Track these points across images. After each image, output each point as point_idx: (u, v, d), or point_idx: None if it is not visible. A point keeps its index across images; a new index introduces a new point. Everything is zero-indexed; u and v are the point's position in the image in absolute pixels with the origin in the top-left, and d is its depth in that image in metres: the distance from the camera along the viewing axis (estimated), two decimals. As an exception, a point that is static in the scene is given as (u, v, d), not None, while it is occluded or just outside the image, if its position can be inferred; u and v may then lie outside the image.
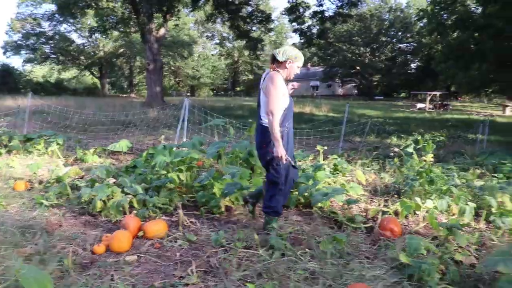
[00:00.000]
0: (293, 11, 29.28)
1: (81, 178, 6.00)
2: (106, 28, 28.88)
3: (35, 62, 51.60)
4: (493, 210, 5.35)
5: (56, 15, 41.75)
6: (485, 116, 29.01)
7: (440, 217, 5.27)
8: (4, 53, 49.19)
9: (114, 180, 5.05)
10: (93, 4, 25.27)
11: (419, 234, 4.56)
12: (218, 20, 33.60)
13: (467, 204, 5.30)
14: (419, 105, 38.43)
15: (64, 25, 48.66)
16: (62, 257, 3.47)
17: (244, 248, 3.75)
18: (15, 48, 48.75)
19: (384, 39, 57.63)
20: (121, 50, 52.09)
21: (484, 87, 23.52)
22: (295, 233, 4.22)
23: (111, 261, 3.55)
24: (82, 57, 51.59)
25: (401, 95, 63.72)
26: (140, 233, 4.04)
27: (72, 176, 5.91)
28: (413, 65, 61.40)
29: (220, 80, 69.14)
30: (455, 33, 21.89)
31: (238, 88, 74.47)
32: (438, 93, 42.36)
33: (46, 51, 50.22)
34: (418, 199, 5.22)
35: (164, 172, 5.27)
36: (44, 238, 3.94)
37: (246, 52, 46.36)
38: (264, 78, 4.12)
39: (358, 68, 57.32)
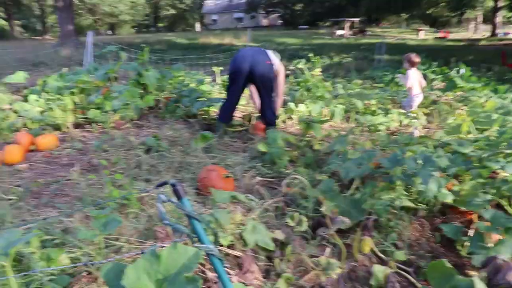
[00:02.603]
0: None
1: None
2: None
3: None
4: (360, 110, 6.25)
5: None
6: (397, 40, 30.68)
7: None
8: None
9: (9, 106, 5.32)
10: None
11: (290, 133, 5.33)
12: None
13: (336, 107, 6.15)
14: (339, 32, 39.47)
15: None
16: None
17: (125, 150, 4.30)
18: None
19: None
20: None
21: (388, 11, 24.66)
22: (174, 136, 4.83)
23: (3, 171, 3.98)
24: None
25: (326, 23, 64.65)
26: (33, 147, 4.46)
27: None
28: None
29: (141, 16, 66.12)
30: None
31: (161, 24, 71.94)
32: (357, 20, 43.52)
33: None
34: (291, 104, 5.97)
35: (58, 96, 5.59)
36: None
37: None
38: None
39: (281, -3, 57.06)
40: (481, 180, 3.32)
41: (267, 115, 5.01)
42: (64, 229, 2.60)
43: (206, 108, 5.68)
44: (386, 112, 6.10)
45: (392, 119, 5.88)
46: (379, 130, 5.61)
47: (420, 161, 3.23)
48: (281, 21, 65.70)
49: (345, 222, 2.61)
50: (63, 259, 2.21)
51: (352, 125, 5.76)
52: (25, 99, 5.83)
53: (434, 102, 7.00)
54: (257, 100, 5.32)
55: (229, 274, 2.30)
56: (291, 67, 9.52)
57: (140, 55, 6.57)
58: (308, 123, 4.86)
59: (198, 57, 13.68)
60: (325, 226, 2.78)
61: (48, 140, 4.48)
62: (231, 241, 2.40)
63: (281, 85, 5.27)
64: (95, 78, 5.95)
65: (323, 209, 2.95)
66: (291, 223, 2.67)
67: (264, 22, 67.28)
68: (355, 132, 5.31)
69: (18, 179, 3.77)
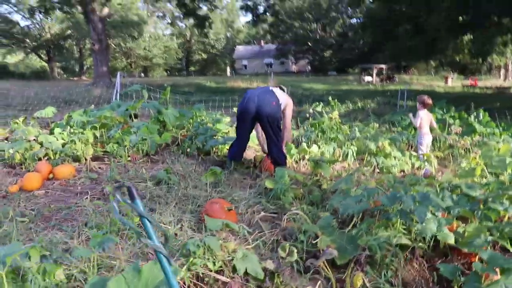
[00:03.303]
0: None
1: (6, 139, 6.51)
2: (47, 8, 28.44)
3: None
4: (373, 152, 6.30)
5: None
6: (424, 87, 30.70)
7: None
8: None
9: (34, 137, 5.64)
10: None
11: (299, 172, 5.42)
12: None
13: (349, 149, 6.23)
14: (367, 78, 39.85)
15: (5, 6, 46.92)
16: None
17: (137, 182, 4.48)
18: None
19: (334, 14, 58.73)
20: (69, 31, 50.90)
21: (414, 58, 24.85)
22: (185, 171, 4.99)
23: (22, 196, 4.21)
24: (28, 40, 50.06)
25: (356, 70, 65.45)
26: (51, 176, 4.69)
27: (-2, 138, 6.44)
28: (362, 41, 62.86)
29: (173, 60, 68.57)
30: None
31: (192, 68, 74.19)
32: (384, 66, 43.89)
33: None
34: (304, 145, 6.08)
35: (81, 130, 5.89)
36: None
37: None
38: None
39: (310, 44, 58.32)
40: (486, 223, 3.31)
41: (275, 154, 5.12)
42: (66, 249, 2.73)
43: (220, 146, 5.85)
44: (400, 154, 6.13)
45: (405, 161, 5.90)
46: (390, 172, 5.65)
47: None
48: (310, 68, 66.82)
49: (333, 254, 2.65)
50: (59, 275, 2.34)
51: (363, 166, 5.80)
52: (51, 132, 6.16)
53: (451, 146, 6.99)
54: (262, 141, 5.48)
55: (216, 299, 2.37)
56: (310, 111, 9.70)
57: (163, 94, 6.88)
58: (317, 162, 4.95)
59: (224, 100, 14.14)
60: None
61: (65, 169, 4.72)
62: (220, 267, 2.48)
63: (288, 119, 5.41)
64: (116, 114, 6.25)
65: (318, 243, 3.01)
66: (282, 254, 2.73)
67: (294, 68, 68.57)
68: (365, 173, 5.35)
69: (33, 204, 3.98)
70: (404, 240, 3.18)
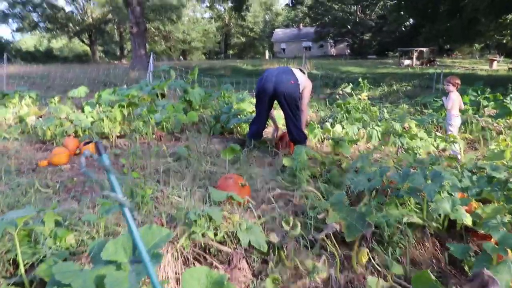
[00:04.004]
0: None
1: (40, 117, 6.80)
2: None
3: (24, 31, 51.65)
4: (399, 133, 6.19)
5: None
6: (466, 70, 29.58)
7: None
8: (-8, 23, 49.22)
9: (65, 115, 5.88)
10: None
11: (321, 151, 5.40)
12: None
13: (373, 129, 6.14)
14: (406, 62, 38.74)
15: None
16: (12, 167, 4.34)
17: (158, 158, 4.61)
18: (2, 17, 48.74)
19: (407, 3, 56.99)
20: (109, 16, 52.02)
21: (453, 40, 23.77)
22: (206, 148, 5.08)
23: (49, 170, 4.42)
24: (71, 25, 51.55)
25: (396, 53, 63.66)
26: (77, 151, 4.90)
27: (32, 115, 6.73)
28: (406, 23, 60.93)
29: (212, 43, 68.88)
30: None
31: (231, 51, 74.29)
32: (424, 49, 42.50)
33: (34, 19, 50.24)
34: (328, 124, 6.05)
35: (109, 108, 6.08)
36: (5, 158, 4.80)
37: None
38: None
39: (349, 27, 57.12)
40: (506, 204, 3.23)
41: (294, 133, 5.11)
42: (80, 218, 2.87)
43: (243, 125, 5.91)
44: (427, 135, 6.00)
45: (431, 143, 5.78)
46: (415, 153, 5.55)
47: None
48: (349, 51, 65.54)
49: (334, 228, 2.67)
50: (70, 239, 2.47)
51: (386, 147, 5.72)
52: (82, 110, 6.39)
53: (483, 128, 6.77)
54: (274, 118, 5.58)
55: (216, 268, 2.45)
56: (340, 92, 9.58)
57: (190, 74, 6.98)
58: (337, 142, 4.92)
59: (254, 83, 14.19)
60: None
61: (90, 145, 4.91)
62: (223, 237, 2.54)
63: (306, 100, 5.38)
64: (143, 93, 6.41)
65: (327, 219, 3.02)
66: (286, 227, 2.76)
67: (333, 51, 67.45)
68: (388, 153, 5.28)
69: (59, 177, 4.19)
70: (415, 219, 3.14)
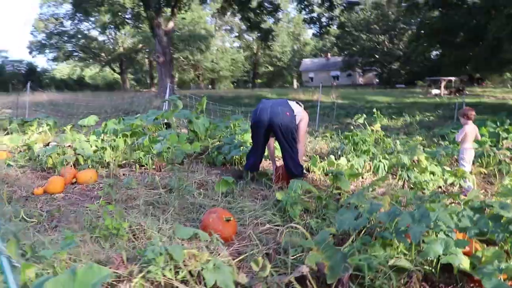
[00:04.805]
0: (301, 1, 29.76)
1: (47, 145, 6.91)
2: (118, 23, 30.14)
3: (59, 60, 53.83)
4: (408, 167, 5.98)
5: (78, 14, 43.25)
6: (496, 100, 28.83)
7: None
8: (30, 52, 51.54)
9: (69, 144, 5.93)
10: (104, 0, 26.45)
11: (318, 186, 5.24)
12: (229, 12, 34.33)
13: (380, 162, 5.95)
14: (434, 91, 38.10)
15: (85, 23, 50.45)
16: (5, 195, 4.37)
17: (150, 189, 4.55)
18: (40, 47, 51.07)
19: (402, 25, 57.01)
20: (140, 45, 53.66)
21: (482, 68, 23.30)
22: (203, 180, 5.00)
23: (42, 198, 4.43)
24: (103, 54, 53.43)
25: (426, 83, 62.80)
26: (74, 180, 4.90)
27: (40, 143, 6.84)
28: (434, 52, 60.34)
29: (240, 72, 69.87)
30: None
31: (259, 80, 74.99)
32: (453, 79, 41.81)
33: (69, 49, 52.33)
34: (332, 157, 5.89)
35: (114, 137, 6.12)
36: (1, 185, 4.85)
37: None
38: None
39: (377, 56, 57.01)
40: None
41: (290, 165, 4.98)
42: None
43: (243, 156, 5.81)
44: (439, 169, 5.76)
45: (441, 177, 5.54)
46: (423, 188, 5.33)
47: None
48: (378, 80, 65.18)
49: (303, 271, 2.51)
50: (30, 273, 2.40)
51: (399, 182, 5.51)
52: (88, 139, 6.45)
53: (500, 162, 6.47)
54: (272, 151, 5.49)
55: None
56: (354, 123, 9.42)
57: (198, 104, 6.99)
58: (336, 175, 4.76)
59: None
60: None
61: (87, 174, 4.91)
62: (184, 277, 2.42)
63: (303, 132, 5.25)
64: (146, 123, 6.44)
65: (306, 260, 2.87)
66: (255, 268, 2.62)
67: (361, 80, 67.32)
68: (395, 188, 5.08)
69: (49, 206, 4.18)
70: (403, 262, 2.94)
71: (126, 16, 31.02)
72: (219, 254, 2.87)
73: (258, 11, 31.60)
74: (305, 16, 31.82)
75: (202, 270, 2.51)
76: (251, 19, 31.97)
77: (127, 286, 2.25)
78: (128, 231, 3.16)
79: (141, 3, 27.72)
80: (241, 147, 5.94)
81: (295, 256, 3.06)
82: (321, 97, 29.62)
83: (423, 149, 7.16)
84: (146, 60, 60.09)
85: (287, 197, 4.08)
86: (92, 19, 46.53)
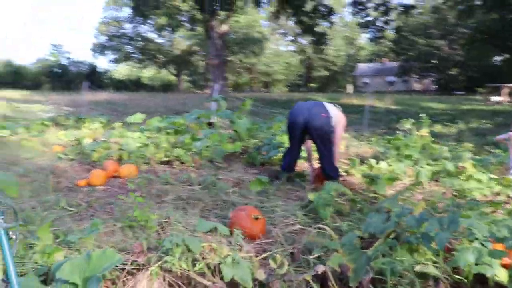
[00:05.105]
0: (356, 4, 29.39)
1: (94, 140, 7.23)
2: (173, 26, 31.04)
3: (119, 61, 56.25)
4: (452, 174, 5.76)
5: (138, 17, 44.94)
6: None
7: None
8: (93, 54, 54.28)
9: (116, 140, 6.20)
10: (161, 4, 27.34)
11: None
12: (283, 16, 34.42)
13: (422, 167, 5.77)
14: (495, 98, 36.25)
15: (144, 26, 52.36)
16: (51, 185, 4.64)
17: (185, 185, 4.67)
18: (102, 49, 53.69)
19: (462, 30, 54.72)
20: (195, 48, 54.95)
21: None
22: (240, 178, 5.06)
23: (85, 190, 4.66)
24: (160, 56, 55.18)
25: (488, 89, 59.93)
26: (116, 174, 5.11)
27: (89, 138, 7.17)
28: (497, 58, 57.48)
29: (294, 76, 69.80)
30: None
31: (313, 84, 74.44)
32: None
33: (128, 51, 54.55)
34: (372, 160, 5.77)
35: (156, 135, 6.33)
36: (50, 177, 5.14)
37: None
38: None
39: (434, 61, 55.08)
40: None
41: (326, 168, 4.94)
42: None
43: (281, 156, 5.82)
44: (487, 177, 5.50)
45: (487, 185, 5.29)
46: (466, 196, 5.12)
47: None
48: (435, 86, 62.91)
49: (318, 270, 2.49)
50: (59, 256, 2.55)
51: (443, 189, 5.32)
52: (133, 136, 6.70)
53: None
54: (309, 152, 5.40)
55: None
56: (401, 128, 9.18)
57: (242, 105, 7.09)
58: (372, 179, 4.67)
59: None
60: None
61: (128, 169, 5.11)
62: (201, 269, 2.48)
63: (338, 135, 5.17)
64: (187, 121, 6.61)
65: (328, 261, 2.84)
66: (273, 265, 2.63)
67: (417, 86, 65.30)
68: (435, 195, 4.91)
69: (89, 197, 4.38)
70: (430, 269, 2.85)
71: (182, 19, 31.88)
72: (240, 250, 2.90)
73: (312, 14, 31.48)
74: (360, 20, 31.36)
75: (220, 264, 2.56)
76: (305, 22, 31.90)
77: (145, 274, 2.33)
78: (156, 224, 3.27)
79: (196, 7, 28.42)
80: (280, 148, 5.95)
81: (318, 256, 3.04)
82: (373, 102, 29.14)
83: (472, 157, 6.88)
84: (202, 62, 61.41)
85: (319, 198, 4.05)
86: (151, 22, 48.23)
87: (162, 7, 28.39)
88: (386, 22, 30.42)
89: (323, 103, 5.19)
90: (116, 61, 56.69)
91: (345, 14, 65.33)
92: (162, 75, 64.34)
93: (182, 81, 58.98)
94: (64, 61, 53.57)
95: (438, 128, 15.34)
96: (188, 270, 2.43)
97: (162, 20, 35.89)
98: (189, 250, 2.46)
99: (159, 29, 38.80)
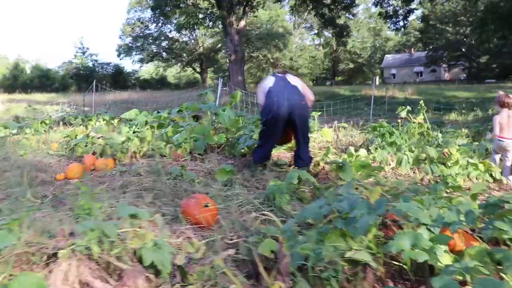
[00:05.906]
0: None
1: (87, 136, 7.42)
2: (192, 24, 31.33)
3: (144, 61, 57.12)
4: (434, 159, 5.65)
5: (161, 17, 45.49)
6: None
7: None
8: (118, 55, 55.28)
9: (102, 135, 6.37)
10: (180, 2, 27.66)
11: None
12: (303, 9, 34.23)
13: (404, 154, 5.67)
14: (526, 86, 34.98)
15: (168, 26, 52.94)
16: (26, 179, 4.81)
17: (154, 177, 4.76)
18: (127, 50, 54.59)
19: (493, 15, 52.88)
20: (219, 45, 55.25)
21: None
22: (210, 169, 5.11)
23: (60, 183, 4.82)
24: (184, 54, 55.77)
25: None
26: (93, 167, 5.26)
27: (79, 135, 7.37)
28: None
29: (319, 70, 69.17)
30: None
31: (339, 78, 73.61)
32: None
33: (153, 50, 55.34)
34: (352, 149, 5.72)
35: (141, 129, 6.46)
36: (33, 171, 5.34)
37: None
38: None
39: (464, 50, 53.49)
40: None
41: (302, 155, 4.93)
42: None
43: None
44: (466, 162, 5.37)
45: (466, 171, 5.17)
46: (446, 182, 5.01)
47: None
48: (465, 75, 61.08)
49: (229, 253, 2.52)
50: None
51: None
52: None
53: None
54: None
55: (107, 281, 2.46)
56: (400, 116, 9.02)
57: (231, 96, 7.14)
58: (339, 166, 4.64)
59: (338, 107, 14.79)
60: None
61: (103, 163, 5.24)
62: (117, 253, 2.54)
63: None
64: (172, 115, 6.71)
65: (259, 248, 2.87)
66: (191, 250, 2.68)
67: (446, 75, 63.62)
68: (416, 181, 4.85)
69: (61, 189, 4.52)
70: (361, 255, 2.81)
71: (200, 16, 32.15)
72: (170, 236, 2.96)
73: (332, 6, 31.13)
74: (381, 10, 30.81)
75: (141, 248, 2.62)
76: (325, 15, 31.62)
77: (63, 258, 2.41)
78: (103, 212, 3.36)
79: (213, 1, 28.61)
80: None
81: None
82: (394, 93, 28.58)
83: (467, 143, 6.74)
84: (225, 59, 61.74)
85: (274, 186, 4.06)
86: (174, 21, 48.83)
87: (182, 6, 28.72)
88: (408, 11, 29.81)
89: (294, 84, 5.10)
90: (141, 61, 57.63)
91: (370, 6, 64.14)
92: (187, 73, 65.01)
93: (207, 78, 59.42)
94: (90, 63, 54.99)
95: (453, 116, 15.03)
96: (102, 254, 2.50)
97: (182, 19, 36.25)
98: (105, 235, 2.54)
99: (180, 27, 39.14)
